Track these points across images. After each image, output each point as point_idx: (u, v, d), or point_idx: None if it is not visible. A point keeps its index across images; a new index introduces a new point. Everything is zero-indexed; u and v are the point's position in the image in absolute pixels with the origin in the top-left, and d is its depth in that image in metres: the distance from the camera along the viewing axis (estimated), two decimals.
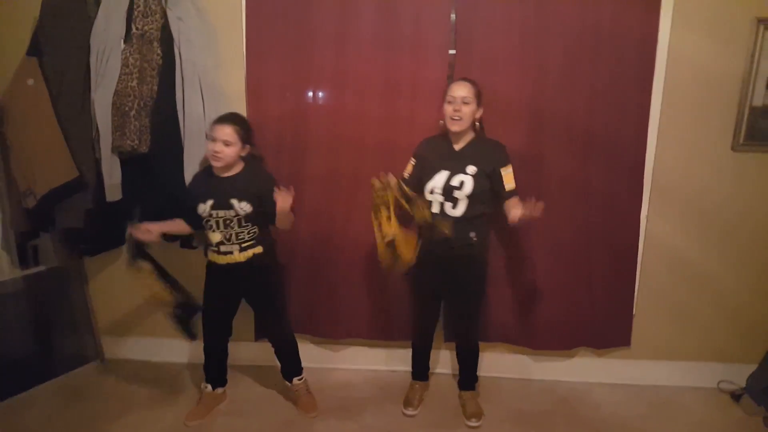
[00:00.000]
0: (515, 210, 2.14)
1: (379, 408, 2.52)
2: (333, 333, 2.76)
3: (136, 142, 2.37)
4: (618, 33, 2.37)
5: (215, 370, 2.51)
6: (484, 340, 2.59)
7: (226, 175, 2.26)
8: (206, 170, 2.32)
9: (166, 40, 2.39)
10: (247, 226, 2.25)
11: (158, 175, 2.44)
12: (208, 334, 2.44)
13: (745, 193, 2.54)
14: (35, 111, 2.38)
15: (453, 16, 2.43)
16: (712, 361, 2.73)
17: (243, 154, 2.25)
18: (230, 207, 2.21)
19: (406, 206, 2.16)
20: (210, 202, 2.21)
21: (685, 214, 2.58)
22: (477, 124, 2.24)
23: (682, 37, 2.40)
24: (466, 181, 2.18)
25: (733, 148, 2.49)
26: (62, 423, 2.36)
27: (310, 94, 2.55)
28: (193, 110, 2.41)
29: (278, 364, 2.56)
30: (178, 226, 2.34)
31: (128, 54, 2.35)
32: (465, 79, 2.23)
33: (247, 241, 2.26)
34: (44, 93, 2.37)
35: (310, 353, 2.78)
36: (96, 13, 2.40)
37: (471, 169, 2.19)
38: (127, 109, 2.35)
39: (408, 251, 2.16)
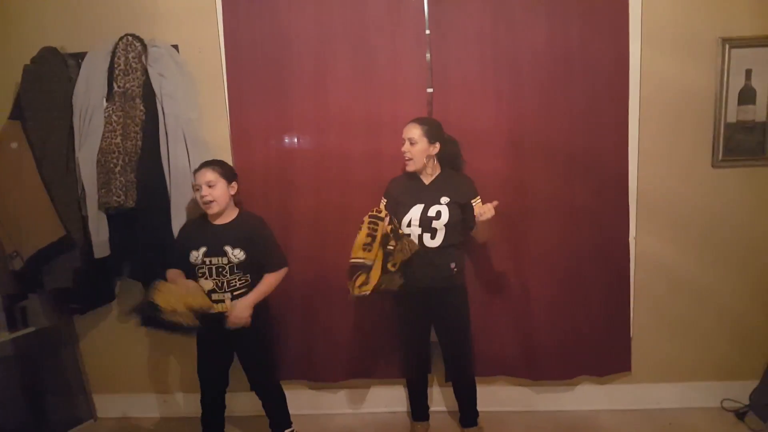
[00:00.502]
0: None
1: None
2: (330, 376, 2.72)
3: (123, 197, 2.38)
4: (590, 56, 2.43)
5: (213, 423, 2.45)
6: (483, 375, 2.57)
7: (220, 222, 2.27)
8: (199, 219, 2.33)
9: (149, 95, 2.43)
10: (239, 273, 2.23)
11: (146, 229, 2.44)
12: (205, 385, 2.39)
13: (731, 207, 2.56)
14: (19, 173, 2.40)
15: (428, 55, 2.48)
16: (714, 380, 2.70)
17: (233, 192, 2.27)
18: (223, 254, 2.20)
19: (391, 240, 2.19)
20: (203, 250, 2.20)
21: (674, 233, 2.59)
22: (433, 160, 2.30)
23: (653, 57, 2.46)
24: (442, 210, 2.24)
25: (713, 165, 2.52)
26: None
27: (294, 138, 2.57)
28: (179, 162, 2.43)
29: None
30: (177, 272, 2.28)
31: (111, 111, 2.39)
32: (416, 119, 2.29)
33: (239, 289, 2.24)
34: (28, 155, 2.40)
35: (307, 400, 2.74)
36: (77, 74, 2.44)
37: (444, 199, 2.26)
38: (111, 165, 2.37)
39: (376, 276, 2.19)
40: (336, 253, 2.58)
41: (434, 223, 2.24)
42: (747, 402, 2.64)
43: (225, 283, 2.22)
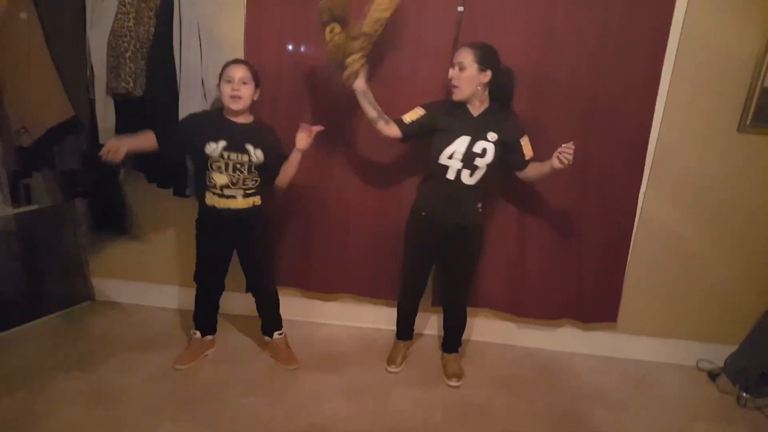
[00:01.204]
0: (546, 163, 2.11)
1: (363, 364, 2.58)
2: (322, 287, 2.79)
3: (131, 84, 2.32)
4: (631, 4, 2.29)
5: (206, 319, 2.54)
6: (470, 306, 2.61)
7: (239, 121, 2.23)
8: (213, 113, 2.29)
9: None
10: (254, 173, 2.25)
11: (152, 119, 2.39)
12: (202, 285, 2.46)
13: (748, 175, 2.51)
14: (28, 47, 2.31)
15: None
16: (694, 340, 2.77)
17: (255, 97, 2.23)
18: (244, 151, 2.20)
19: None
20: (222, 143, 2.17)
21: (683, 194, 2.55)
22: (483, 89, 2.15)
23: (698, 13, 2.32)
24: (488, 148, 2.14)
25: (739, 130, 2.44)
26: (52, 361, 2.41)
27: (309, 47, 2.46)
28: (190, 55, 2.35)
29: None
30: (145, 140, 2.22)
31: None
32: (470, 44, 2.13)
33: (250, 188, 2.26)
34: (37, 28, 2.30)
35: (299, 306, 2.83)
36: None
37: (492, 135, 2.15)
38: (122, 50, 2.29)
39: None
40: (340, 167, 2.58)
41: (477, 160, 2.15)
42: (722, 365, 2.72)
43: (240, 180, 2.23)
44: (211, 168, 2.21)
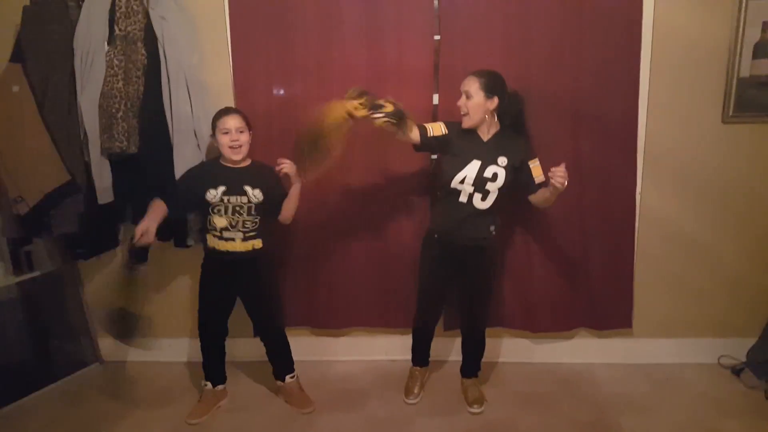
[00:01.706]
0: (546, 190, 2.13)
1: (381, 397, 2.52)
2: (332, 323, 2.76)
3: (125, 143, 2.37)
4: (602, 6, 2.36)
5: (214, 368, 2.50)
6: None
7: (237, 166, 2.28)
8: (210, 163, 2.34)
9: (150, 39, 2.38)
10: (253, 215, 2.27)
11: (149, 174, 2.43)
12: (206, 332, 2.43)
13: (738, 164, 2.53)
14: (21, 117, 2.37)
15: (436, 1, 2.42)
16: (713, 336, 2.72)
17: (250, 141, 2.29)
18: (243, 193, 2.24)
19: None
20: (221, 189, 2.22)
21: (680, 189, 2.57)
22: (491, 116, 2.17)
23: (667, 7, 2.39)
24: (499, 173, 2.16)
25: (723, 120, 2.48)
26: (65, 427, 2.36)
27: (297, 85, 2.52)
28: (181, 108, 2.41)
29: None
30: (161, 210, 2.25)
31: (112, 55, 2.35)
32: (475, 72, 2.15)
33: (250, 231, 2.28)
34: (29, 99, 2.37)
35: (309, 346, 2.78)
36: (78, 16, 2.39)
37: (502, 160, 2.16)
38: (113, 110, 2.35)
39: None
40: (338, 202, 2.59)
41: (488, 185, 2.16)
42: (744, 359, 2.67)
43: (240, 223, 2.26)
44: (212, 212, 2.25)
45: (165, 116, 2.41)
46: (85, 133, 2.42)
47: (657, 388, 2.55)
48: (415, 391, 2.51)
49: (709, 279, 2.66)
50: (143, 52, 2.37)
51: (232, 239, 2.27)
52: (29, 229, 2.50)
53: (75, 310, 2.81)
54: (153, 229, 2.16)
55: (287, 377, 2.52)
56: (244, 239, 2.27)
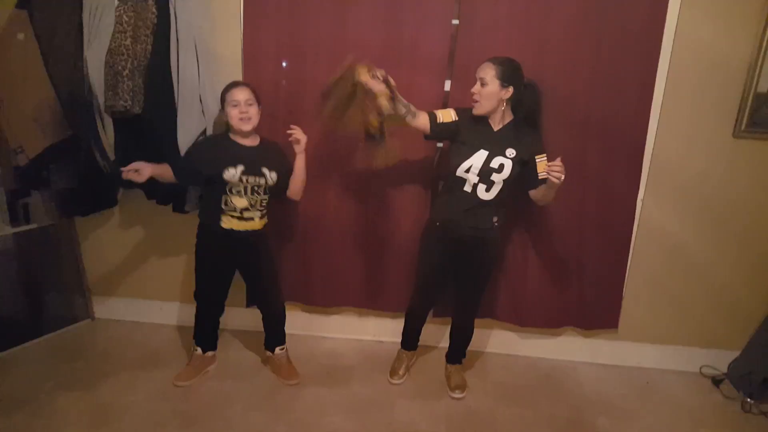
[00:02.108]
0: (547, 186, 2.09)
1: (366, 377, 2.57)
2: (325, 301, 2.78)
3: (129, 102, 2.32)
4: (624, 10, 2.31)
5: (206, 336, 2.53)
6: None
7: (249, 144, 2.27)
8: (221, 137, 2.30)
9: None
10: (268, 194, 2.30)
11: (151, 136, 2.40)
12: (203, 305, 2.45)
13: (744, 180, 2.52)
14: (25, 67, 2.33)
15: None
16: (697, 346, 2.76)
17: (259, 115, 2.27)
18: (262, 175, 2.24)
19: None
20: (241, 167, 2.20)
21: (681, 200, 2.56)
22: (504, 105, 2.12)
23: (691, 19, 2.34)
24: (505, 164, 2.12)
25: (734, 135, 2.46)
26: (53, 380, 2.39)
27: (307, 61, 2.46)
28: (188, 73, 2.36)
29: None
30: (166, 170, 2.27)
31: (122, 11, 2.28)
32: (493, 59, 2.09)
33: (265, 208, 2.32)
34: (35, 48, 2.32)
35: (300, 321, 2.82)
36: None
37: (510, 152, 2.13)
38: (120, 68, 2.29)
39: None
40: (339, 182, 2.58)
41: (494, 176, 2.13)
42: (725, 371, 2.72)
43: (258, 202, 2.28)
44: (230, 192, 2.23)
45: (171, 79, 2.35)
46: (90, 89, 2.37)
47: (637, 392, 2.60)
48: (401, 372, 2.55)
49: (698, 290, 2.68)
50: (154, 10, 2.30)
51: (252, 218, 2.29)
52: (28, 182, 2.49)
53: (70, 266, 2.82)
54: (147, 173, 2.15)
55: (277, 348, 2.55)
56: (261, 217, 2.32)
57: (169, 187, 2.47)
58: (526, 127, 2.18)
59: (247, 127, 2.22)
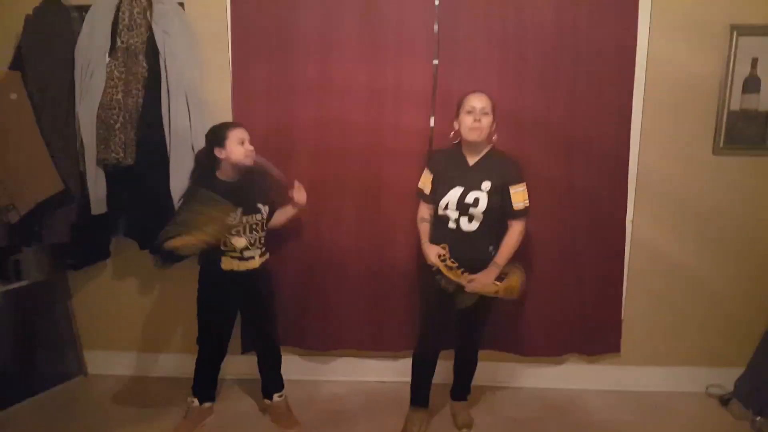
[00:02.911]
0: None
1: (369, 419, 2.49)
2: (321, 344, 2.73)
3: (122, 154, 2.36)
4: (597, 38, 2.41)
5: (205, 385, 2.46)
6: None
7: (236, 179, 2.25)
8: (209, 182, 2.21)
9: (152, 53, 2.39)
10: (264, 231, 2.30)
11: (144, 187, 2.43)
12: (206, 350, 2.39)
13: (729, 196, 2.57)
14: (18, 125, 2.37)
15: (436, 26, 2.46)
16: (701, 365, 2.74)
17: None
18: (257, 211, 2.26)
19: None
20: (240, 210, 2.19)
21: (671, 218, 2.60)
22: (494, 136, 2.20)
23: (661, 42, 2.45)
24: (480, 197, 2.14)
25: (714, 152, 2.53)
26: None
27: (295, 103, 2.52)
28: (179, 122, 2.41)
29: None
30: None
31: (113, 67, 2.36)
32: (480, 91, 2.18)
33: (263, 245, 2.30)
34: (27, 107, 2.37)
35: (296, 366, 2.75)
36: (80, 27, 2.41)
37: (485, 185, 2.15)
38: (112, 122, 2.34)
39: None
40: (331, 223, 2.59)
41: (471, 210, 2.14)
42: (732, 389, 2.68)
43: (257, 240, 2.27)
44: (229, 233, 2.20)
45: (163, 129, 2.40)
46: (82, 143, 2.41)
47: (645, 417, 2.55)
48: None
49: (698, 308, 2.68)
50: (144, 64, 2.38)
51: (252, 257, 2.27)
52: (19, 238, 2.48)
53: (63, 322, 2.77)
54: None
55: (275, 395, 2.48)
56: (261, 255, 2.30)
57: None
58: (503, 156, 2.22)
59: (250, 161, 2.23)
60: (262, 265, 2.32)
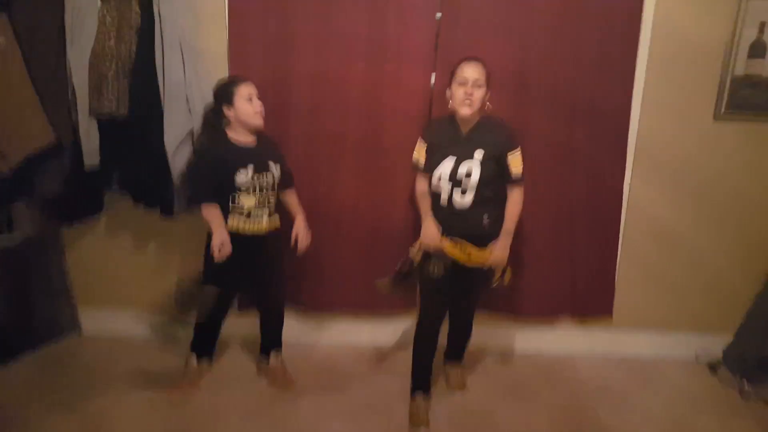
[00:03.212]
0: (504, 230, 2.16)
1: (363, 381, 2.51)
2: (318, 305, 2.73)
3: (115, 104, 2.31)
4: (604, 0, 2.36)
5: (205, 342, 2.45)
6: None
7: (250, 140, 2.20)
8: (220, 141, 2.17)
9: None
10: (274, 191, 2.25)
11: (137, 139, 2.37)
12: (216, 306, 2.33)
13: (727, 162, 2.56)
14: (7, 70, 2.28)
15: None
16: (691, 331, 2.77)
17: None
18: (268, 169, 2.20)
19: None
20: (251, 167, 2.14)
21: (668, 184, 2.59)
22: (488, 105, 2.10)
23: (667, 4, 2.41)
24: (473, 167, 2.05)
25: (715, 118, 2.51)
26: (42, 395, 2.30)
27: (293, 56, 2.46)
28: (173, 72, 2.34)
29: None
30: (219, 218, 2.16)
31: (105, 12, 2.28)
32: (475, 59, 2.06)
33: (273, 206, 2.26)
34: (16, 51, 2.28)
35: (292, 329, 2.73)
36: None
37: (478, 153, 2.05)
38: (104, 69, 2.28)
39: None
40: (328, 181, 2.57)
41: (465, 182, 2.06)
42: (720, 355, 2.72)
43: (266, 200, 2.22)
44: (239, 190, 2.16)
45: (156, 79, 2.33)
46: (74, 92, 2.35)
47: (635, 381, 2.59)
48: (425, 419, 2.22)
49: (690, 274, 2.70)
50: (137, 10, 2.30)
51: (259, 218, 2.21)
52: (11, 190, 2.42)
53: (56, 277, 2.73)
54: (228, 240, 2.13)
55: (272, 353, 2.49)
56: (270, 215, 2.24)
57: (157, 188, 2.44)
58: (496, 123, 2.13)
59: (261, 121, 2.17)
60: (271, 229, 2.25)
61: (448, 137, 2.12)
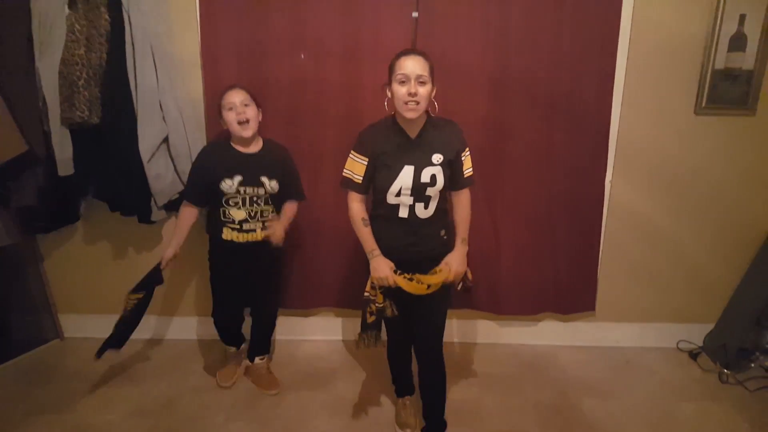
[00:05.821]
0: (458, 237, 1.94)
1: (348, 377, 2.53)
2: (301, 303, 2.74)
3: (87, 113, 2.27)
4: None
5: (235, 335, 2.53)
6: (450, 307, 2.57)
7: (250, 150, 2.18)
8: (221, 145, 2.20)
9: (114, 4, 2.26)
10: (270, 204, 2.22)
11: (111, 147, 2.34)
12: (226, 311, 2.39)
13: (707, 156, 2.57)
14: None
15: None
16: (672, 321, 2.81)
17: (260, 118, 2.19)
18: (260, 184, 2.16)
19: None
20: (238, 179, 2.12)
21: (649, 178, 2.60)
22: (434, 104, 1.86)
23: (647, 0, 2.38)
24: (436, 174, 1.82)
25: (695, 112, 2.50)
26: (25, 405, 2.30)
27: (267, 59, 2.42)
28: (146, 79, 2.31)
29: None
30: (184, 224, 2.21)
31: (74, 20, 2.23)
32: (417, 51, 1.78)
33: (267, 219, 2.23)
34: None
35: (277, 327, 2.74)
36: None
37: (437, 157, 1.82)
38: (75, 78, 2.24)
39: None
40: (310, 183, 2.53)
41: (429, 190, 1.82)
42: (701, 344, 2.77)
43: (258, 213, 2.19)
44: (227, 204, 2.15)
45: (129, 86, 2.30)
46: (44, 101, 2.30)
47: (618, 371, 2.63)
48: (412, 423, 2.17)
49: (671, 267, 2.73)
50: (107, 17, 2.25)
51: (253, 230, 2.20)
52: None
53: (34, 285, 2.72)
54: (174, 253, 2.20)
55: (257, 358, 2.51)
56: (264, 228, 2.21)
57: (133, 197, 2.41)
58: (442, 121, 1.89)
59: (248, 132, 2.12)
60: (267, 238, 2.22)
61: (395, 144, 1.82)
